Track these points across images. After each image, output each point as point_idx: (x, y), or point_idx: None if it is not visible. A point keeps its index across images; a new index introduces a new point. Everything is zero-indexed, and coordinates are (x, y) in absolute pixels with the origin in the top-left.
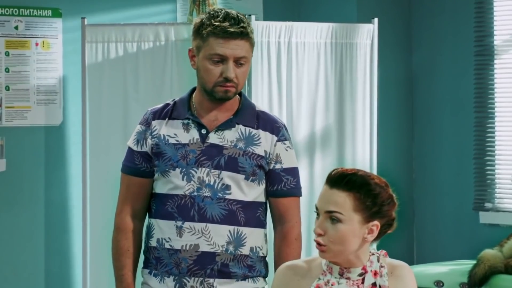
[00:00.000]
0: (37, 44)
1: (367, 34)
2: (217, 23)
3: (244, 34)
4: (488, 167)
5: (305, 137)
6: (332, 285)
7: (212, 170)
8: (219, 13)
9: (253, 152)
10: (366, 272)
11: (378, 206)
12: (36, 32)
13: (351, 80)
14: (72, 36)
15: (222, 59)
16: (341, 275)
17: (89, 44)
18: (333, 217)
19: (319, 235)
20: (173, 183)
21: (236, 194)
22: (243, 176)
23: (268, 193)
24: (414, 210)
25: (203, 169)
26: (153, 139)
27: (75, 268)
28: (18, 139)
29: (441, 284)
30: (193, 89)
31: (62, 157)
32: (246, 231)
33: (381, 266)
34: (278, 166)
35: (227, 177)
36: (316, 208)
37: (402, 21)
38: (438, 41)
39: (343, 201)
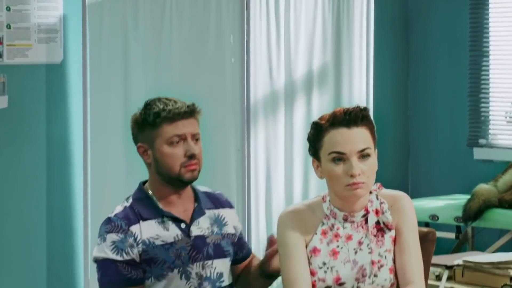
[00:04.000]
0: None
1: None
2: (167, 108)
3: (195, 112)
4: (482, 104)
5: (302, 75)
6: (337, 229)
7: (205, 262)
8: (159, 101)
9: (227, 232)
10: (368, 212)
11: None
12: None
13: (348, 18)
14: None
15: (181, 139)
16: (345, 220)
17: None
18: (364, 154)
19: (359, 175)
20: (172, 284)
21: (226, 279)
22: (229, 259)
23: (236, 261)
24: (409, 146)
25: (198, 263)
26: (139, 246)
27: (76, 201)
28: (19, 76)
29: (436, 218)
30: (142, 186)
31: (63, 95)
32: None
33: (381, 203)
34: (238, 233)
35: (219, 264)
36: (339, 153)
37: None
38: None
39: (367, 136)
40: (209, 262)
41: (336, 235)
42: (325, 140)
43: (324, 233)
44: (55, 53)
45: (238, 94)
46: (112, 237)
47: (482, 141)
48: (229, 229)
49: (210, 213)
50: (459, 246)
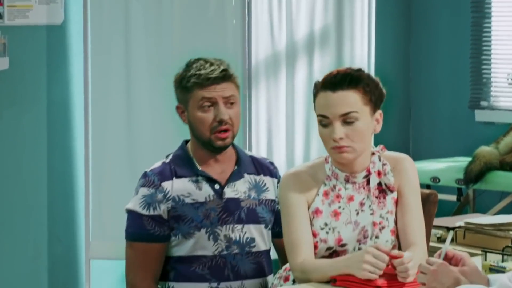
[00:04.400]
0: None
1: None
2: (198, 72)
3: (227, 77)
4: (484, 66)
5: (304, 36)
6: (339, 190)
7: (235, 225)
8: (197, 62)
9: (266, 198)
10: (370, 173)
11: (379, 94)
12: None
13: None
14: None
15: (212, 103)
16: (346, 181)
17: None
18: (348, 118)
19: (341, 139)
20: (199, 243)
21: (260, 245)
22: (263, 225)
23: (274, 235)
24: (410, 108)
25: (227, 226)
26: (168, 202)
27: (77, 163)
28: (20, 38)
29: (437, 180)
30: (185, 144)
31: (64, 57)
32: (269, 279)
33: (383, 164)
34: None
35: (251, 229)
36: (324, 117)
37: None
38: None
39: (354, 99)
40: (240, 226)
41: (338, 196)
42: (316, 102)
43: (325, 194)
44: (56, 14)
45: (239, 55)
46: (144, 191)
47: (483, 103)
48: (268, 196)
49: (250, 177)
50: (460, 208)
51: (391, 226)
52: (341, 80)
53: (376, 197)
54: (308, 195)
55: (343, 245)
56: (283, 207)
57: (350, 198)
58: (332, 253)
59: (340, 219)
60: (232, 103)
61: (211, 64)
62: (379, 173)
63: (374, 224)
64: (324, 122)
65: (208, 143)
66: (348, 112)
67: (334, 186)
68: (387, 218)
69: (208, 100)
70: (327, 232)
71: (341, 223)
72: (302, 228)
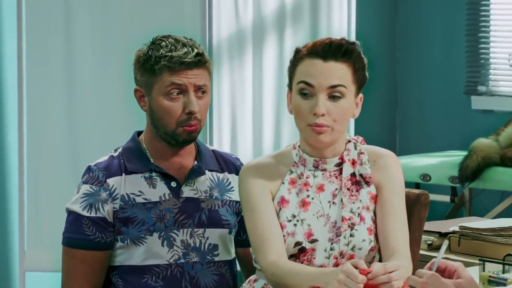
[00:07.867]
0: None
1: None
2: (169, 54)
3: (202, 63)
4: (482, 45)
5: (273, 10)
6: (307, 178)
7: (195, 230)
8: (167, 41)
9: (231, 199)
10: (343, 162)
11: (363, 76)
12: None
13: None
14: None
15: (181, 91)
16: (316, 167)
17: None
18: (335, 93)
19: (323, 115)
20: (151, 251)
21: (223, 254)
22: (227, 231)
23: (238, 243)
24: (396, 94)
25: (185, 230)
26: (115, 202)
27: (10, 159)
28: None
29: (428, 178)
30: (137, 135)
31: None
32: None
33: (360, 153)
34: None
35: (212, 235)
36: (307, 84)
37: None
38: None
39: (345, 73)
40: (200, 230)
41: (306, 184)
42: (299, 68)
43: (292, 182)
44: None
45: (198, 33)
46: (86, 188)
47: (481, 88)
48: (233, 196)
49: (212, 175)
50: (454, 211)
51: (368, 224)
52: (335, 50)
53: (348, 189)
54: (271, 185)
55: (313, 241)
56: (244, 203)
57: (320, 188)
58: (302, 250)
59: (310, 210)
60: (203, 92)
61: (184, 45)
62: (353, 163)
63: (342, 219)
64: (306, 91)
65: (171, 135)
66: (337, 85)
67: (302, 174)
68: (358, 214)
69: (178, 87)
70: (295, 225)
71: (311, 215)
72: (270, 222)
